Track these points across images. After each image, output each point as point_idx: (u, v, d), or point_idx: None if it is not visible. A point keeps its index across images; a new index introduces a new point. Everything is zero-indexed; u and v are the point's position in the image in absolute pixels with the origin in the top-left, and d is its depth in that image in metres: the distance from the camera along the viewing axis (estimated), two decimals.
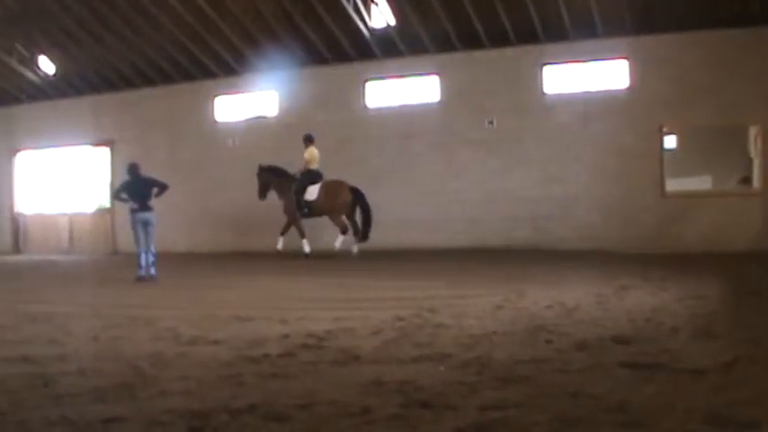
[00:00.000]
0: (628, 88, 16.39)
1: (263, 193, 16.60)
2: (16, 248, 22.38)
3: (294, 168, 16.30)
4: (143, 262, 11.50)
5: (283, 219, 16.32)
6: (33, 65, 20.27)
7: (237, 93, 19.97)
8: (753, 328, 6.00)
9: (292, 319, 6.88)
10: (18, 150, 22.73)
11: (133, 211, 11.72)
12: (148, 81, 20.52)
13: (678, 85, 15.67)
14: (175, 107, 20.27)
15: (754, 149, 15.61)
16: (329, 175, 16.25)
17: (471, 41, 17.24)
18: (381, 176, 17.82)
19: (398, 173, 17.93)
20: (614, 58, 16.49)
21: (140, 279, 11.41)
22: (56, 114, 21.47)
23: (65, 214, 22.26)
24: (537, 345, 5.48)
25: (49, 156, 22.72)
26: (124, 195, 11.98)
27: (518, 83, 17.17)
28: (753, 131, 15.60)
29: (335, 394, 4.07)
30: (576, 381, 4.29)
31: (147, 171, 12.53)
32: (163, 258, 12.39)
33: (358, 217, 16.02)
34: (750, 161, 15.79)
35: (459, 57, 17.62)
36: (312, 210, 15.95)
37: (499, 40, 17.00)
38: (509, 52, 17.11)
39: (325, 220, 16.09)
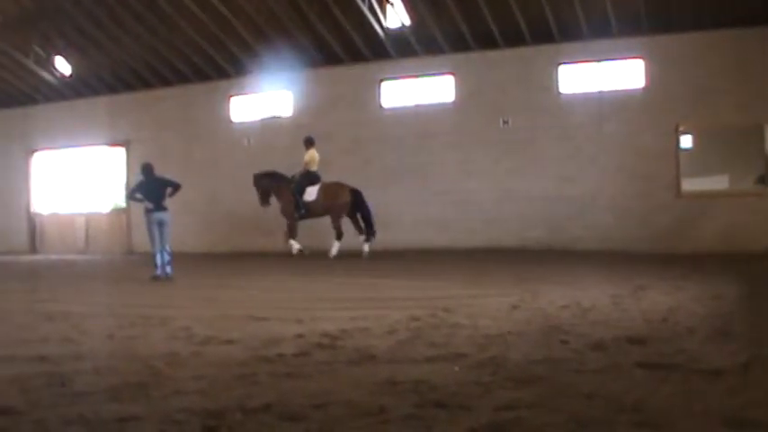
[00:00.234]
0: (643, 88, 16.32)
1: (264, 200, 16.64)
2: (33, 248, 22.53)
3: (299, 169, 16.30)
4: (159, 261, 11.56)
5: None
6: (50, 65, 20.38)
7: (252, 93, 20.03)
8: None
9: (307, 318, 6.87)
10: (34, 151, 22.90)
11: (148, 212, 11.75)
12: (164, 81, 20.64)
13: (694, 85, 15.59)
14: (191, 107, 20.37)
15: None
16: (344, 176, 16.26)
17: (486, 41, 17.22)
18: (396, 176, 17.83)
19: (413, 173, 17.92)
20: (630, 58, 16.43)
21: (156, 278, 11.46)
22: (72, 115, 21.63)
23: (81, 214, 22.42)
24: (552, 345, 5.45)
25: (65, 156, 22.91)
26: (139, 196, 12.02)
27: (533, 82, 17.13)
28: None
29: (350, 394, 4.06)
30: (592, 381, 4.26)
31: (163, 171, 12.56)
32: (178, 258, 12.45)
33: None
34: (767, 160, 15.67)
35: (474, 56, 17.59)
36: (310, 211, 15.98)
37: (514, 39, 16.97)
38: (524, 52, 17.08)
39: (329, 221, 16.02)
